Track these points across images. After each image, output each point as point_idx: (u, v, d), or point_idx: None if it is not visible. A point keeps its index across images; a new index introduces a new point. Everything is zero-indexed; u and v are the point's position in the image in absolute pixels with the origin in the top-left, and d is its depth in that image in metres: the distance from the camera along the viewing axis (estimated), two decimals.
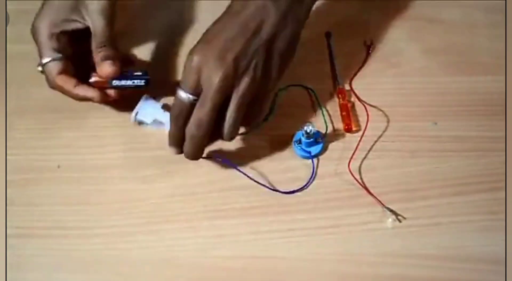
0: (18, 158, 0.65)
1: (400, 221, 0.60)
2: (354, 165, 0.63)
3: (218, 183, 0.63)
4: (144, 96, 0.65)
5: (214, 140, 0.63)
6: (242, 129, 0.64)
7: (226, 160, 0.63)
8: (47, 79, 0.63)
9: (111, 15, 0.63)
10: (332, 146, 0.64)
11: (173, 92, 0.60)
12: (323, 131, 0.64)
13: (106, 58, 0.62)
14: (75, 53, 0.64)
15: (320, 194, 0.62)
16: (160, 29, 0.72)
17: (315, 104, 0.66)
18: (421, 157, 0.63)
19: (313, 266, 0.59)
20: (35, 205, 0.63)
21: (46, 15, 0.63)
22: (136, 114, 0.65)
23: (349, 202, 0.61)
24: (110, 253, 0.60)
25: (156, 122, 0.65)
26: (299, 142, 0.63)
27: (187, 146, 0.60)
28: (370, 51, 0.69)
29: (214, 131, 0.60)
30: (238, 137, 0.64)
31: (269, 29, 0.59)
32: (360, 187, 0.62)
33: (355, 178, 0.62)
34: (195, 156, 0.61)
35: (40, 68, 0.64)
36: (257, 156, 0.64)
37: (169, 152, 0.61)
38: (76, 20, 0.63)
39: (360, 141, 0.63)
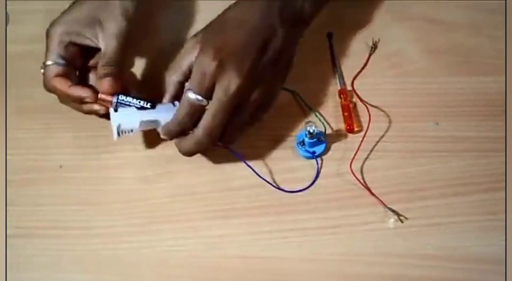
0: (18, 158, 0.65)
1: (402, 221, 0.60)
2: (356, 165, 0.63)
3: (218, 183, 0.63)
4: (111, 110, 0.61)
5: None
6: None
7: (236, 152, 0.63)
8: (44, 82, 0.63)
9: (125, 39, 0.62)
10: (334, 146, 0.64)
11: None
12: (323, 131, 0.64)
13: (107, 76, 0.61)
14: (81, 66, 0.64)
15: (321, 194, 0.62)
16: (160, 29, 0.72)
17: (311, 106, 0.66)
18: (422, 157, 0.63)
19: (314, 266, 0.59)
20: (35, 205, 0.63)
21: (62, 22, 0.63)
22: (119, 126, 0.60)
23: (351, 202, 0.61)
24: (110, 253, 0.60)
25: (145, 123, 0.61)
26: (302, 143, 0.63)
27: (188, 145, 0.60)
28: (371, 52, 0.69)
29: None
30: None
31: (280, 39, 0.61)
32: (362, 187, 0.62)
33: (357, 178, 0.62)
34: (192, 155, 0.61)
35: (42, 71, 0.63)
36: (257, 156, 0.64)
37: (161, 135, 0.61)
38: (88, 38, 0.62)
39: (362, 141, 0.63)
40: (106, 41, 0.62)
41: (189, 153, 0.61)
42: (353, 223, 0.61)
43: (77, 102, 0.63)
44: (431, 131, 0.65)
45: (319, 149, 0.63)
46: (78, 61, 0.64)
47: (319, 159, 0.63)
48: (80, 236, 0.61)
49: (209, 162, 0.64)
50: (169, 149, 0.64)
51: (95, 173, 0.64)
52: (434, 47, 0.69)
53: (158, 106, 0.61)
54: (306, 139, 0.62)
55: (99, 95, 0.61)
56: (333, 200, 0.62)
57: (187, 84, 0.61)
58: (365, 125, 0.65)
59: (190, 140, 0.60)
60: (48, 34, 0.63)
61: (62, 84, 0.62)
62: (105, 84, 0.61)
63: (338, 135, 0.65)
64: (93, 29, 0.62)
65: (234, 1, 0.63)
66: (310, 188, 0.62)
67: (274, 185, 0.62)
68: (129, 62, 0.69)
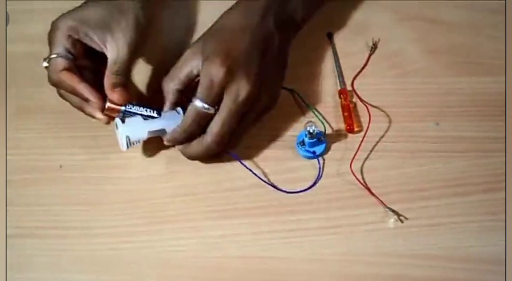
0: (18, 158, 0.65)
1: (402, 222, 0.60)
2: (356, 165, 0.63)
3: (220, 183, 0.63)
4: (116, 120, 0.61)
5: None
6: None
7: (234, 154, 0.63)
8: (50, 74, 0.62)
9: (135, 48, 0.62)
10: (334, 146, 0.64)
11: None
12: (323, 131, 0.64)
13: (117, 85, 0.61)
14: (86, 66, 0.63)
15: (322, 194, 0.62)
16: (160, 29, 0.72)
17: (310, 105, 0.66)
18: (422, 157, 0.63)
19: (314, 266, 0.59)
20: (35, 205, 0.63)
21: (73, 18, 0.62)
22: (128, 138, 0.60)
23: (351, 202, 0.62)
24: (110, 253, 0.60)
25: (152, 132, 0.61)
26: (302, 143, 0.63)
27: (195, 151, 0.61)
28: (371, 52, 0.69)
29: None
30: None
31: (277, 43, 0.62)
32: (362, 187, 0.62)
33: (357, 178, 0.62)
34: (198, 159, 0.62)
35: (45, 64, 0.62)
36: (257, 156, 0.64)
37: (165, 142, 0.61)
38: (95, 41, 0.62)
39: (362, 141, 0.63)
40: (117, 49, 0.61)
41: (195, 158, 0.62)
42: (353, 223, 0.61)
43: (82, 100, 0.62)
44: (431, 131, 0.65)
45: (319, 149, 0.63)
46: (81, 60, 0.63)
47: (321, 159, 0.63)
48: (80, 236, 0.61)
49: (210, 162, 0.64)
50: (170, 149, 0.64)
51: (95, 173, 0.64)
52: (434, 47, 0.69)
53: (163, 114, 0.62)
54: (306, 140, 0.62)
55: (107, 105, 0.61)
56: (333, 200, 0.62)
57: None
58: (365, 126, 0.65)
59: (198, 146, 0.60)
60: (55, 26, 0.62)
61: (72, 79, 0.61)
62: (115, 95, 0.61)
63: (338, 135, 0.65)
64: (102, 34, 0.61)
65: (233, 2, 0.63)
66: (310, 188, 0.62)
67: (270, 183, 0.62)
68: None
